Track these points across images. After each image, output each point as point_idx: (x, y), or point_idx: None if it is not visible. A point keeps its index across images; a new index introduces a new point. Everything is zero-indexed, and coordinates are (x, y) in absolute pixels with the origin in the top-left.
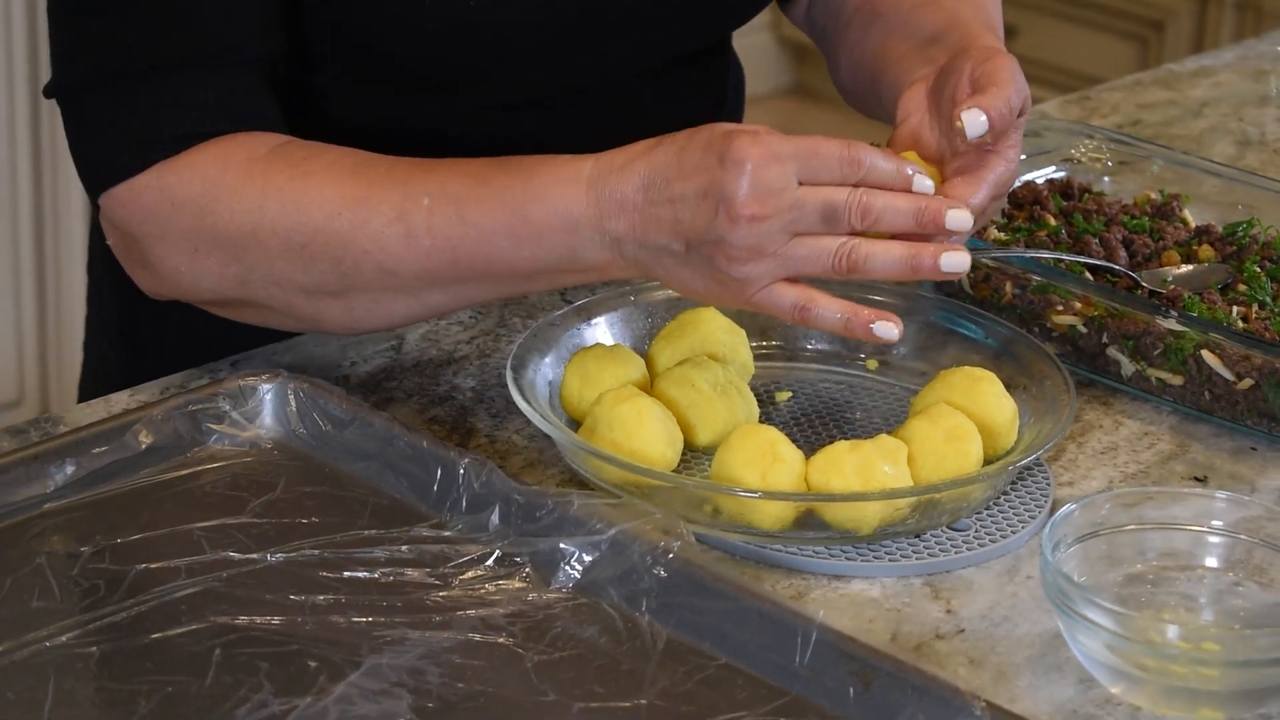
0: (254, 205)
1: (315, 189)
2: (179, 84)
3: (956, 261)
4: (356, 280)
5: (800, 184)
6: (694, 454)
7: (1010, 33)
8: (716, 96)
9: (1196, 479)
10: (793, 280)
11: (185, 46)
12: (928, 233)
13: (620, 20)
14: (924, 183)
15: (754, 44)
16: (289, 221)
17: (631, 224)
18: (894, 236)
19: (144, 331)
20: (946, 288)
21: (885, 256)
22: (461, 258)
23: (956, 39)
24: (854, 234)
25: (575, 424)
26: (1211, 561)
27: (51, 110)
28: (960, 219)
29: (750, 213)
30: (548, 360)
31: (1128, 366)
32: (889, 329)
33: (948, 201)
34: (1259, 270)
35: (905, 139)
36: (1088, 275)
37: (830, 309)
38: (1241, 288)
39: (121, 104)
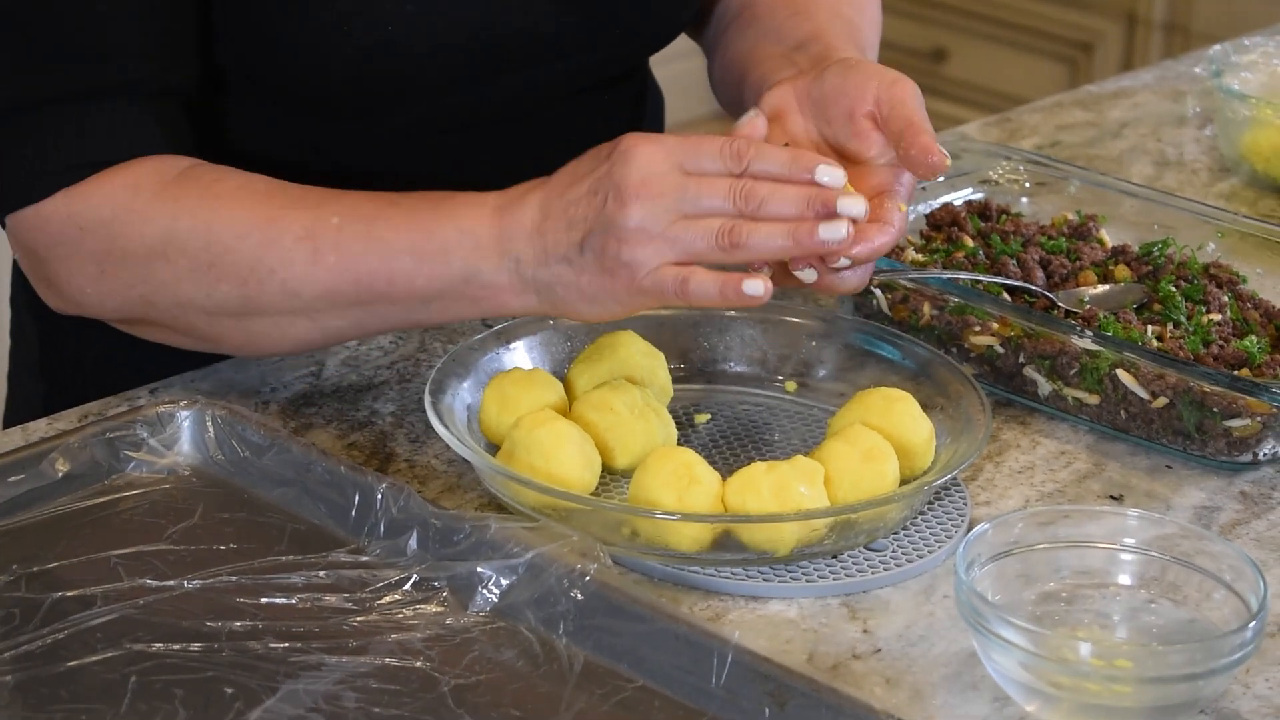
0: (164, 226)
1: (226, 209)
2: (86, 113)
3: (834, 229)
4: (260, 302)
5: (688, 173)
6: (612, 476)
7: (940, 55)
8: (633, 121)
9: (1112, 497)
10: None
11: (92, 77)
12: (815, 217)
13: (534, 47)
14: (830, 173)
15: (688, 69)
16: (199, 241)
17: (531, 244)
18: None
19: (65, 363)
20: (865, 309)
21: (767, 230)
22: (363, 276)
23: (819, 49)
24: None
25: (494, 448)
26: (1125, 579)
27: None
28: (855, 207)
29: (639, 193)
30: (466, 385)
31: (1044, 386)
32: (755, 285)
33: (840, 190)
34: (1174, 290)
35: (776, 139)
36: (1005, 296)
37: (706, 279)
38: (1157, 307)
39: (29, 131)
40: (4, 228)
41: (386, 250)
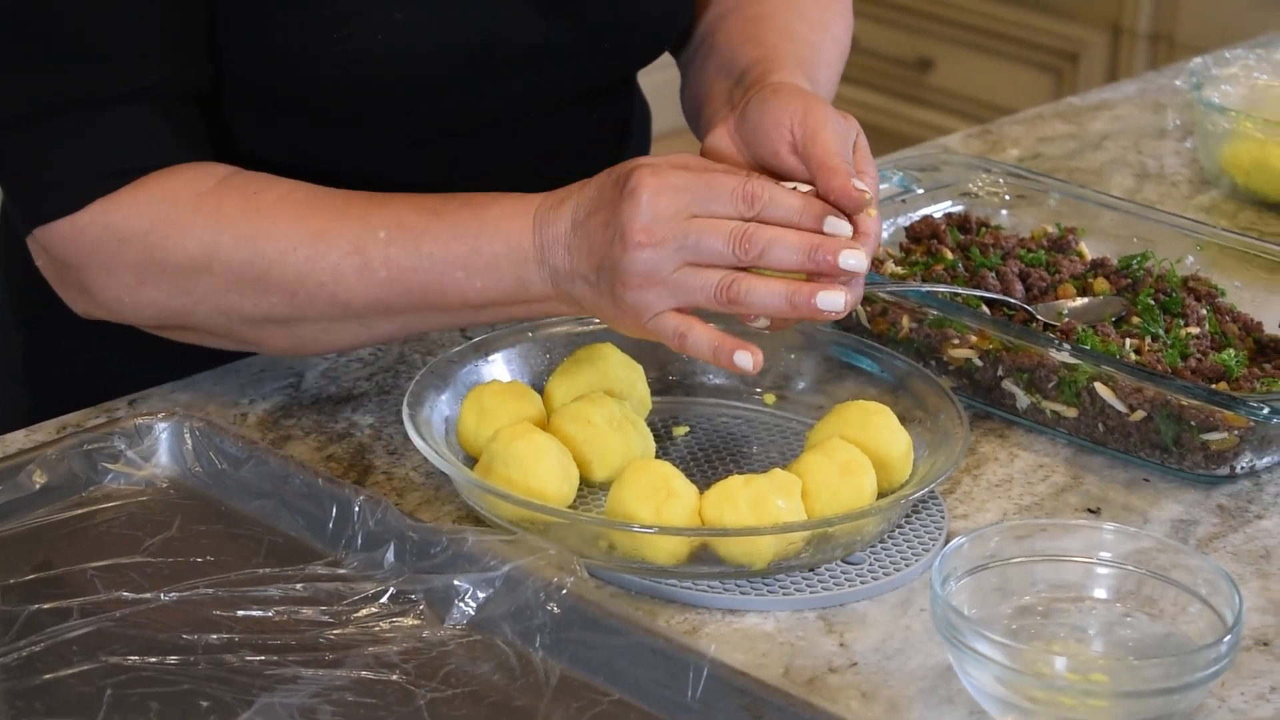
0: (208, 240)
1: (270, 222)
2: (114, 118)
3: (832, 300)
4: (309, 311)
5: (695, 216)
6: (590, 489)
7: (926, 65)
8: (619, 133)
9: (1090, 510)
10: (683, 310)
11: (115, 81)
12: (821, 271)
13: (521, 58)
14: (838, 224)
15: (674, 78)
16: (244, 255)
17: (564, 257)
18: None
19: (50, 373)
20: (844, 322)
21: (765, 290)
22: (415, 289)
23: (756, 74)
24: (745, 268)
25: (472, 460)
26: (1101, 593)
27: None
28: (856, 260)
29: (640, 240)
30: (445, 397)
31: (1023, 399)
32: (745, 359)
33: (844, 241)
34: (1152, 303)
35: None
36: (984, 309)
37: (703, 337)
38: (1135, 320)
39: (57, 139)
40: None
41: (436, 265)
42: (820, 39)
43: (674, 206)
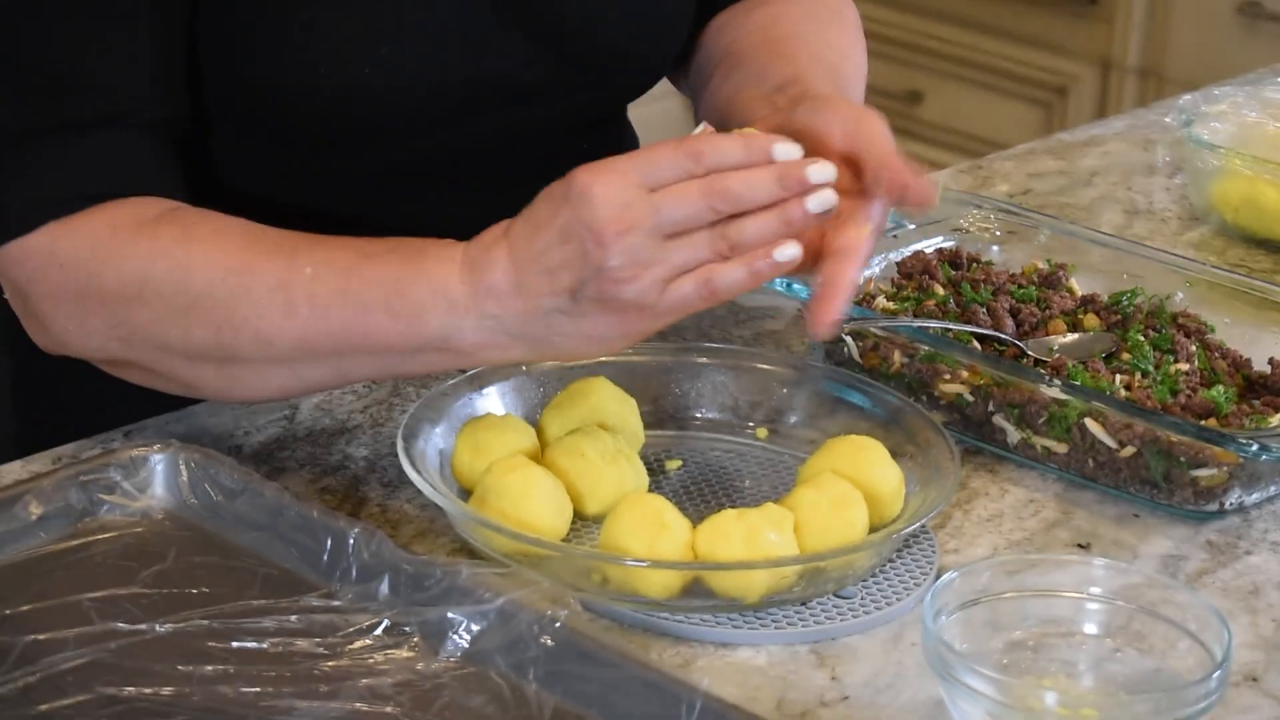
0: (140, 267)
1: (201, 254)
2: (73, 146)
3: (822, 199)
4: (236, 349)
5: (652, 190)
6: (584, 523)
7: (915, 98)
8: None
9: (1080, 545)
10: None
11: (80, 109)
12: (794, 194)
13: (511, 92)
14: (785, 149)
15: (663, 109)
16: (174, 285)
17: (512, 303)
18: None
19: (38, 403)
20: (836, 356)
21: (760, 220)
22: (338, 330)
23: (798, 90)
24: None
25: (466, 493)
26: (1091, 628)
27: None
28: (823, 171)
29: (614, 230)
30: (439, 430)
31: (1013, 434)
32: (788, 250)
33: (804, 160)
34: (1142, 339)
35: None
36: (975, 344)
37: (731, 269)
38: (1125, 356)
39: (14, 164)
40: None
41: (360, 306)
42: (843, 63)
43: (627, 189)
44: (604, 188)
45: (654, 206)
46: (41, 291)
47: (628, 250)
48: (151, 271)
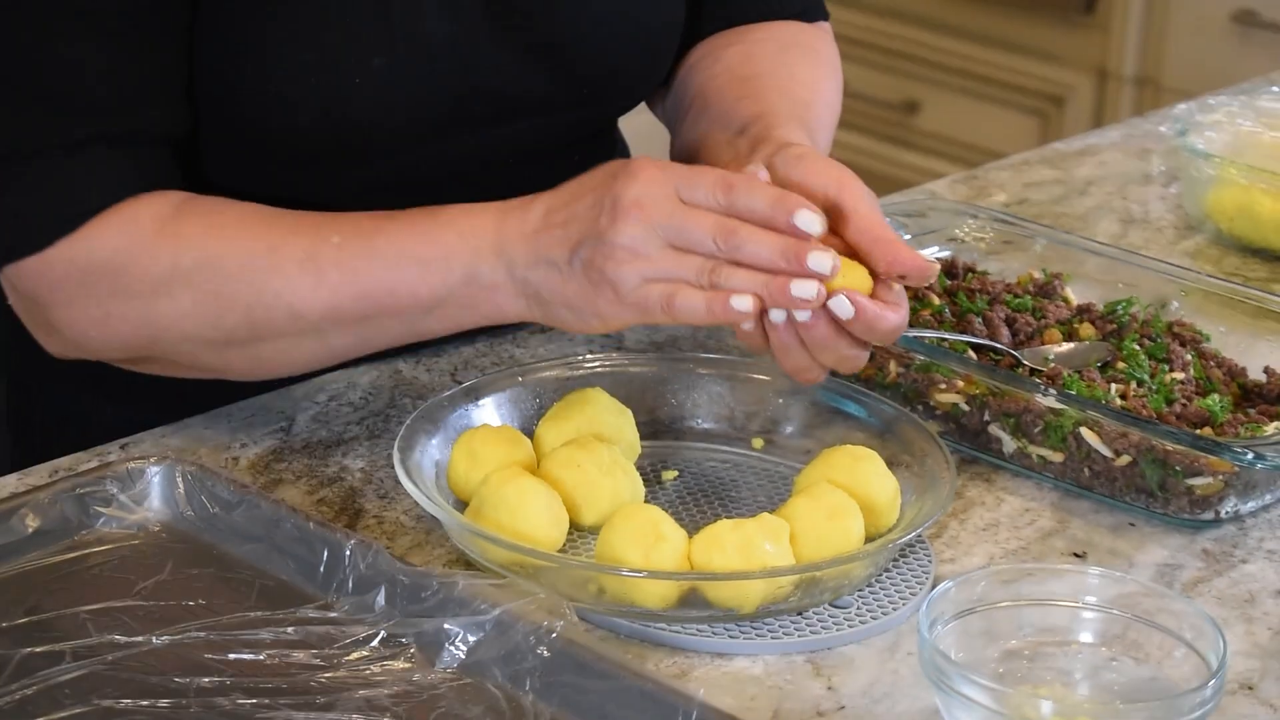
0: (168, 264)
1: (230, 240)
2: (77, 163)
3: (806, 288)
4: (266, 328)
5: (682, 202)
6: (580, 533)
7: (912, 108)
8: None
9: (1076, 555)
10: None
11: (80, 126)
12: (794, 271)
13: (502, 106)
14: (807, 219)
15: (654, 121)
16: (203, 275)
17: (526, 245)
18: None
19: (32, 417)
20: None
21: (745, 276)
22: (368, 289)
23: (760, 129)
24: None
25: (463, 504)
26: (1087, 637)
27: None
28: (821, 261)
29: (633, 211)
30: (435, 441)
31: (1009, 444)
32: (744, 301)
33: (812, 244)
34: (1138, 348)
35: None
36: (971, 354)
37: (693, 296)
38: (1121, 365)
39: (26, 179)
40: None
41: (388, 261)
42: (813, 99)
43: (666, 188)
44: (648, 176)
45: (674, 215)
46: (63, 300)
47: (633, 235)
48: (180, 265)
